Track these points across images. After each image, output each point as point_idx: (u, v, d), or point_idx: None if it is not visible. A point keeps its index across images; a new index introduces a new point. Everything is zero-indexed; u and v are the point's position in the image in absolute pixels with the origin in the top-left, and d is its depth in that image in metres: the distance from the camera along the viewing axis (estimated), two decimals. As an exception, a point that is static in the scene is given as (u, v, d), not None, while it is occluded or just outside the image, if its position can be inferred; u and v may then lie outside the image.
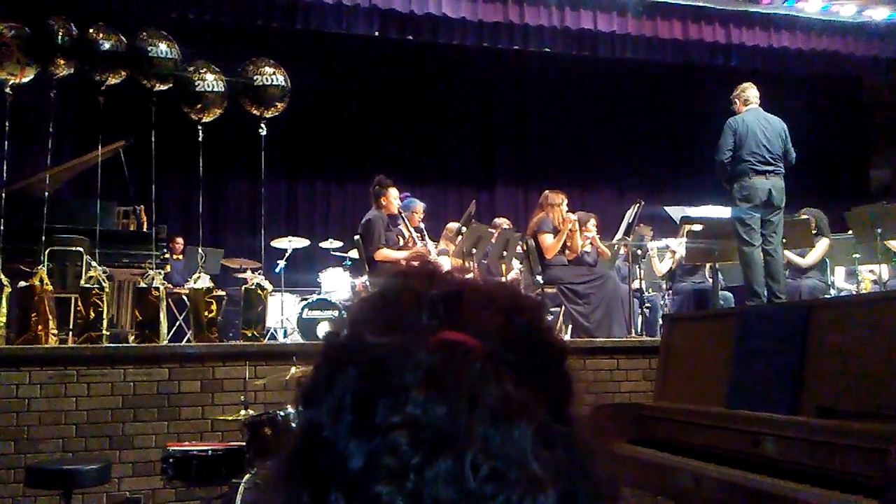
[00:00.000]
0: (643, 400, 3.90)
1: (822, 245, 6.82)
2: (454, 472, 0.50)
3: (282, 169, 10.24)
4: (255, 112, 5.64)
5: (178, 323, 7.01)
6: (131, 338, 4.80)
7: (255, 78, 5.54)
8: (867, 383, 2.15)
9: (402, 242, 6.47)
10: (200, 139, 5.43)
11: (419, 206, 6.76)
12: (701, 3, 8.77)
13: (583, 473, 0.57)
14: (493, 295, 0.63)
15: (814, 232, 6.66)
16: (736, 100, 6.08)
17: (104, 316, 4.60)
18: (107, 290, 4.68)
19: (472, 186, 10.68)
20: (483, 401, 0.52)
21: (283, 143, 9.83)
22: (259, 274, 5.43)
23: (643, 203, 6.81)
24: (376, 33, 8.45)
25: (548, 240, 6.46)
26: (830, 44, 9.18)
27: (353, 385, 0.54)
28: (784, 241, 6.06)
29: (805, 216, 6.66)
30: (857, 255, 7.14)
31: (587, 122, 11.13)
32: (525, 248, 6.78)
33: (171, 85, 5.46)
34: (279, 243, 8.21)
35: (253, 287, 5.00)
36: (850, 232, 6.81)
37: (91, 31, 5.38)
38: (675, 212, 7.03)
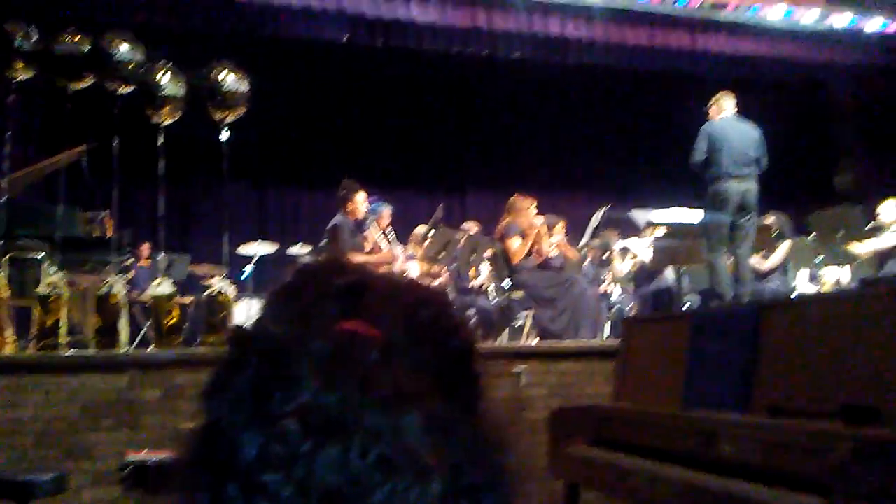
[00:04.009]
0: (607, 402, 3.92)
1: (784, 248, 6.91)
2: (342, 460, 0.50)
3: (251, 174, 10.18)
4: (216, 116, 5.61)
5: (143, 330, 6.93)
6: (91, 345, 4.72)
7: (216, 81, 5.51)
8: (816, 382, 2.19)
9: (368, 247, 6.45)
10: (161, 143, 5.39)
11: (386, 210, 6.76)
12: (667, 11, 8.88)
13: (482, 465, 0.57)
14: (398, 288, 0.64)
15: (775, 235, 6.76)
16: (711, 108, 6.18)
17: (63, 323, 4.52)
18: (66, 296, 4.61)
19: (441, 191, 10.68)
20: (374, 389, 0.52)
21: (253, 148, 9.78)
22: (223, 280, 5.38)
23: (609, 207, 6.87)
24: (345, 39, 8.44)
25: (515, 244, 6.49)
26: (794, 50, 9.34)
27: (253, 376, 0.54)
28: (747, 244, 6.14)
29: (767, 220, 6.75)
30: (819, 258, 7.26)
31: (556, 127, 11.20)
32: (493, 252, 6.80)
33: (134, 88, 5.41)
34: (247, 249, 8.15)
35: (216, 293, 4.95)
36: (813, 235, 6.92)
37: (54, 34, 5.32)
38: (641, 216, 7.10)
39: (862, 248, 7.13)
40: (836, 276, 7.22)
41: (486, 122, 11.27)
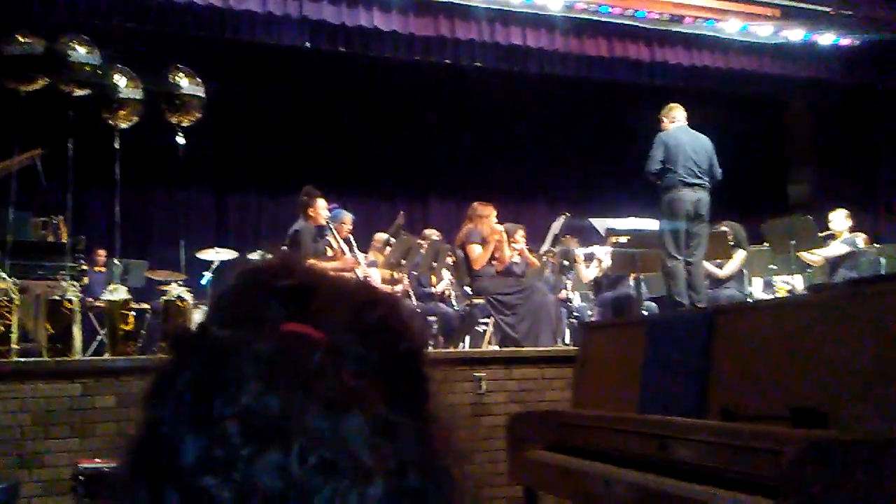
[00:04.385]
0: (566, 408, 3.95)
1: (740, 256, 7.05)
2: (283, 463, 0.50)
3: (211, 180, 10.06)
4: (173, 120, 5.55)
5: (99, 337, 6.80)
6: (43, 352, 4.62)
7: (172, 85, 5.44)
8: (767, 387, 2.23)
9: (329, 253, 6.42)
10: (117, 147, 5.31)
11: (347, 217, 6.73)
12: (627, 22, 9.01)
13: (427, 468, 0.57)
14: (345, 290, 0.63)
15: (731, 244, 6.88)
16: (664, 118, 6.28)
17: (14, 329, 4.42)
18: (17, 302, 4.51)
19: (403, 198, 10.68)
20: (317, 392, 0.52)
21: (213, 153, 9.67)
22: (181, 286, 5.30)
23: (569, 215, 6.94)
24: (307, 45, 8.41)
25: (476, 251, 6.51)
26: (749, 63, 9.54)
27: (194, 378, 0.54)
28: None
29: (723, 228, 6.88)
30: (774, 267, 7.41)
31: (517, 136, 11.27)
32: (454, 259, 6.82)
33: (90, 91, 5.33)
34: (206, 255, 8.05)
35: (173, 299, 4.88)
36: (767, 244, 7.06)
37: (6, 35, 5.21)
38: (601, 223, 7.19)
39: (814, 256, 7.30)
40: (790, 284, 7.37)
41: (447, 130, 11.30)
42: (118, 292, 4.87)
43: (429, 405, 0.61)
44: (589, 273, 7.88)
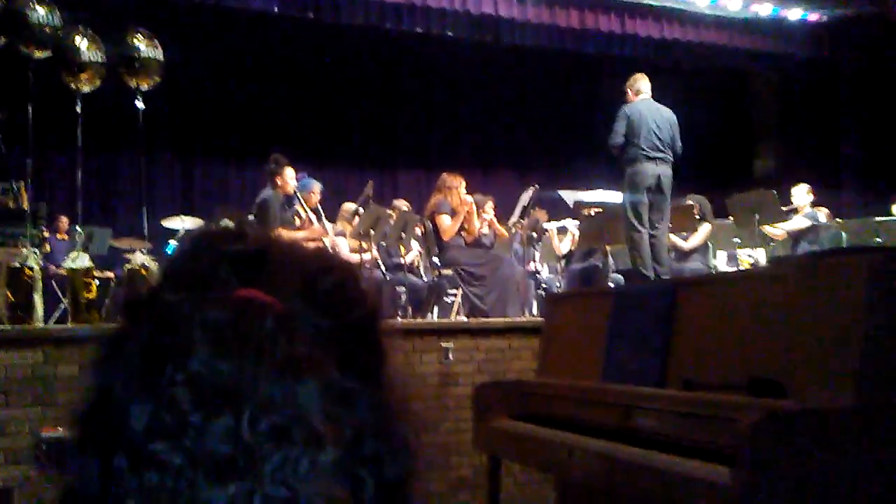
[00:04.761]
0: (532, 378, 3.99)
1: (705, 230, 7.13)
2: (234, 429, 0.50)
3: (178, 147, 9.92)
4: (131, 84, 5.43)
5: (62, 305, 6.71)
6: (4, 319, 4.54)
7: (131, 48, 5.32)
8: (727, 357, 2.27)
9: (298, 223, 6.38)
10: (79, 111, 5.19)
11: (316, 186, 6.68)
12: (597, -7, 9.00)
13: (383, 435, 0.57)
14: (299, 256, 0.63)
15: (697, 217, 6.96)
16: (628, 89, 6.27)
17: (-28, 297, 4.34)
18: (-25, 269, 4.42)
19: (373, 168, 10.62)
20: (269, 357, 0.52)
21: (180, 120, 9.52)
22: (146, 254, 5.24)
23: (538, 187, 6.95)
24: (275, 9, 8.27)
25: (445, 222, 6.51)
26: (718, 37, 9.60)
27: (144, 344, 0.53)
28: (669, 225, 6.30)
29: (689, 202, 6.95)
30: (738, 240, 7.52)
31: (487, 106, 11.25)
32: (423, 230, 6.81)
33: (50, 53, 5.18)
34: (171, 223, 7.95)
35: (137, 267, 4.82)
36: (731, 218, 7.16)
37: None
38: (570, 196, 7.22)
39: (776, 230, 7.42)
40: (753, 257, 7.49)
41: (417, 100, 11.24)
42: (80, 260, 4.79)
43: (385, 373, 0.61)
44: (562, 246, 7.93)
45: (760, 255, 7.21)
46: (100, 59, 5.23)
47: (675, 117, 6.14)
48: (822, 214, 7.80)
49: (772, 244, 7.69)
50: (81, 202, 5.88)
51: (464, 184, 6.71)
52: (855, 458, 1.76)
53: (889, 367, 1.81)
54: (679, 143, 6.11)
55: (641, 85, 6.23)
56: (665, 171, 6.02)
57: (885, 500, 1.78)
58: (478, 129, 11.26)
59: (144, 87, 5.44)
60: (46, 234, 6.35)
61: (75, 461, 0.54)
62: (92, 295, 4.71)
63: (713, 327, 2.34)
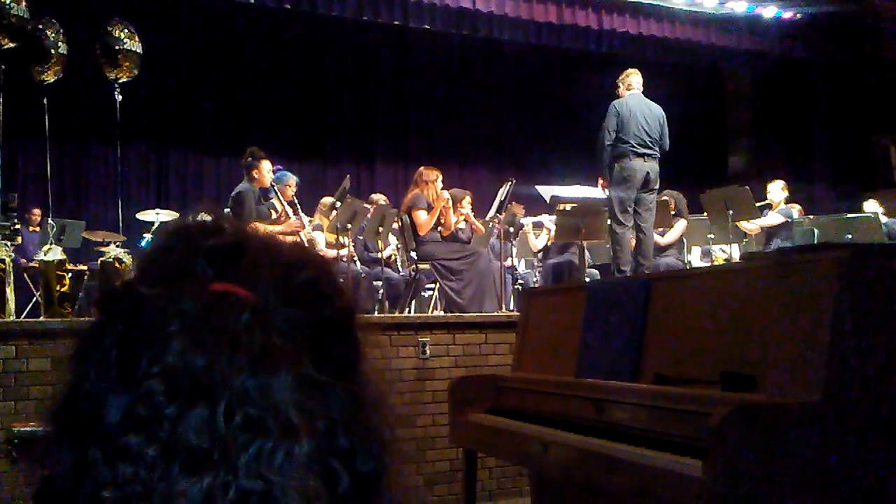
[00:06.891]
0: (509, 372, 4.01)
1: (680, 225, 7.20)
2: (208, 421, 0.50)
3: (152, 139, 9.81)
4: (110, 76, 5.37)
5: (34, 299, 6.62)
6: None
7: (110, 39, 5.26)
8: (699, 352, 2.30)
9: (274, 216, 6.35)
10: (47, 102, 5.12)
11: (292, 179, 6.64)
12: (575, -11, 9.03)
13: (356, 429, 0.58)
14: (275, 250, 0.63)
15: (673, 213, 7.02)
16: (620, 84, 6.31)
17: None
18: (-55, 262, 4.35)
19: (350, 162, 10.60)
20: (244, 350, 0.52)
21: (154, 112, 9.42)
22: (120, 247, 5.19)
23: (514, 182, 6.97)
24: (252, 0, 8.21)
25: (422, 216, 6.51)
26: (694, 34, 9.67)
27: (119, 337, 0.54)
28: (647, 220, 6.35)
29: (665, 197, 7.00)
30: (712, 236, 7.60)
31: (465, 101, 11.25)
32: (400, 224, 6.80)
33: (19, 42, 5.10)
34: (146, 216, 7.88)
35: (110, 260, 4.77)
36: (705, 213, 7.23)
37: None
38: (546, 191, 7.24)
39: (751, 225, 7.51)
40: (727, 253, 7.57)
41: (394, 94, 11.21)
42: (53, 253, 4.74)
43: (360, 367, 0.62)
44: (538, 241, 7.97)
45: (735, 251, 7.29)
46: (64, 52, 5.16)
47: (663, 113, 6.18)
48: (796, 211, 7.90)
49: (745, 240, 7.78)
50: (52, 194, 5.80)
51: (441, 178, 6.71)
52: (824, 451, 1.79)
53: (857, 361, 1.84)
54: (667, 139, 6.17)
55: (633, 80, 6.27)
56: (653, 166, 6.07)
57: (854, 493, 1.82)
58: (455, 123, 11.26)
59: (123, 79, 5.38)
60: (18, 227, 6.26)
61: (50, 454, 0.55)
62: (65, 288, 4.66)
63: (686, 322, 2.36)
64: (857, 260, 1.88)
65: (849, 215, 7.82)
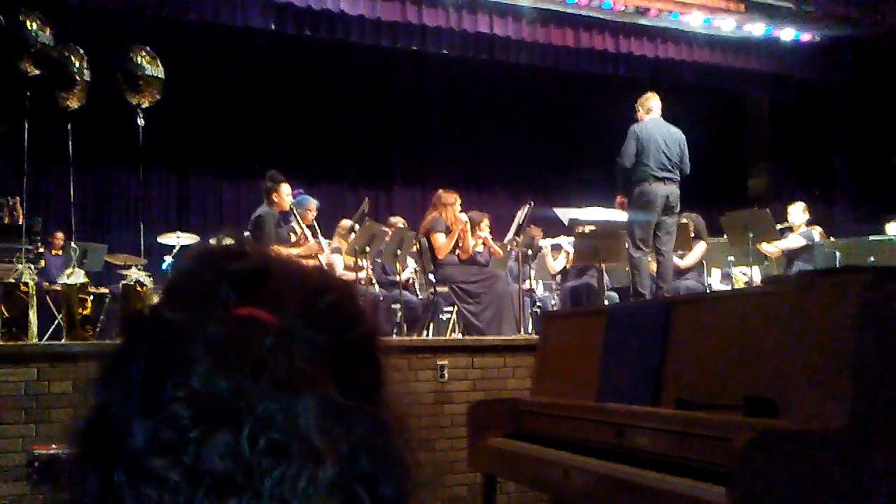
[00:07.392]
0: (527, 396, 3.98)
1: (700, 248, 7.15)
2: (232, 445, 0.50)
3: (173, 163, 9.93)
4: (132, 101, 5.45)
5: (56, 321, 6.68)
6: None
7: (133, 65, 5.35)
8: (721, 376, 2.28)
9: (293, 239, 6.38)
10: (72, 128, 5.20)
11: (312, 203, 6.68)
12: (592, 14, 9.07)
13: (380, 453, 0.58)
14: (298, 274, 0.63)
15: (692, 235, 6.98)
16: (639, 108, 6.30)
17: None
18: (-30, 285, 4.41)
19: (368, 185, 10.65)
20: (268, 374, 0.52)
21: (175, 136, 9.54)
22: (141, 270, 5.23)
23: (533, 204, 6.97)
24: (272, 27, 8.32)
25: (440, 239, 6.52)
26: (712, 56, 9.67)
27: (144, 361, 0.54)
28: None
29: (684, 220, 6.96)
30: (732, 258, 7.53)
31: (483, 124, 11.30)
32: (418, 247, 6.82)
33: (44, 69, 5.20)
34: (167, 239, 7.95)
35: (132, 283, 4.81)
36: (726, 236, 7.17)
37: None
38: (564, 213, 7.23)
39: (771, 248, 7.44)
40: (748, 276, 7.51)
41: (413, 118, 11.28)
42: (76, 276, 4.79)
43: (382, 391, 0.62)
44: (556, 264, 7.94)
45: (755, 274, 7.23)
46: (88, 78, 5.26)
47: (683, 136, 6.14)
48: (817, 233, 7.83)
49: (766, 262, 7.70)
50: (75, 218, 5.87)
51: (459, 201, 6.73)
52: (848, 478, 1.76)
53: (881, 386, 1.81)
54: (687, 163, 6.12)
55: (652, 104, 6.24)
56: (673, 190, 6.03)
57: (879, 520, 1.78)
58: (473, 147, 11.31)
59: (145, 104, 5.46)
60: (41, 250, 6.35)
61: (74, 476, 0.55)
62: (87, 311, 4.70)
63: (707, 345, 2.34)
64: (880, 283, 1.86)
65: (871, 238, 7.73)
